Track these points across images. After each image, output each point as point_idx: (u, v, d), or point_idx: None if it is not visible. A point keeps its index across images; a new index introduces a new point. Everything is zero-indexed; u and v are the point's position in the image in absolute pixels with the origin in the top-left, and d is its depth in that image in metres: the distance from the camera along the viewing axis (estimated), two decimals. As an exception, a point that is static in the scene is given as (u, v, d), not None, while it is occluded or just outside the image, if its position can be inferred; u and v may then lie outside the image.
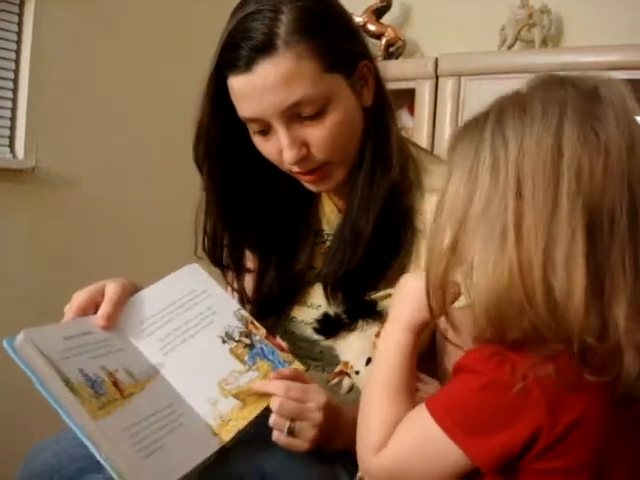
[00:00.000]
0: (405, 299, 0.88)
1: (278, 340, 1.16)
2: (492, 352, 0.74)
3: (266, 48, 1.05)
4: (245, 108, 1.10)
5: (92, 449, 0.87)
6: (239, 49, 1.06)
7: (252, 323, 1.15)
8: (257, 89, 1.06)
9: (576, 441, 0.72)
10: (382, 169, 1.15)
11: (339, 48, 1.11)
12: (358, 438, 0.85)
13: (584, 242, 0.70)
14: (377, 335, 1.05)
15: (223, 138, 1.18)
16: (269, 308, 1.29)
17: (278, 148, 1.11)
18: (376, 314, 1.08)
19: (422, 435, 0.77)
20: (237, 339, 1.12)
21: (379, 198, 1.15)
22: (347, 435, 1.04)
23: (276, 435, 1.03)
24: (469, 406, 0.74)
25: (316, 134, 1.10)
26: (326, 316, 1.12)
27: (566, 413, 0.71)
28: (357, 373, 1.05)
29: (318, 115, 1.09)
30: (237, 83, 1.09)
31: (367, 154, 1.16)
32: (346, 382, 1.07)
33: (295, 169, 1.14)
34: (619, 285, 0.70)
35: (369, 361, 1.03)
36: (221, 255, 1.28)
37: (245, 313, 1.17)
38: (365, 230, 1.15)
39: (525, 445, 0.72)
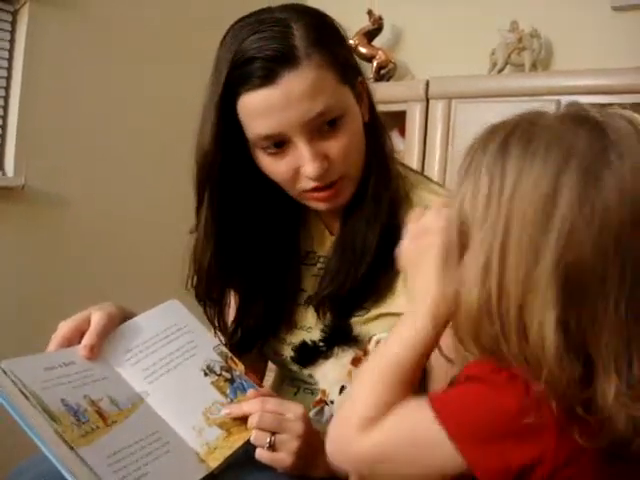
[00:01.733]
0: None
1: (255, 378, 1.16)
2: (500, 366, 0.73)
3: (288, 60, 1.03)
4: (263, 124, 1.07)
5: (70, 478, 0.85)
6: (255, 63, 1.04)
7: (231, 359, 1.16)
8: (281, 102, 1.04)
9: (576, 471, 0.70)
10: (385, 185, 1.16)
11: (345, 61, 1.12)
12: (339, 416, 0.81)
13: (556, 298, 0.68)
14: (353, 363, 1.05)
15: (228, 164, 1.14)
16: (257, 334, 1.28)
17: (294, 166, 1.10)
18: (351, 340, 1.08)
19: (420, 428, 0.74)
20: (218, 373, 1.12)
21: (382, 214, 1.15)
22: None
23: (259, 452, 1.02)
24: (479, 415, 0.72)
25: (336, 146, 1.09)
26: (303, 345, 1.12)
27: (570, 439, 0.69)
28: (332, 402, 1.04)
29: (336, 127, 1.08)
30: (256, 98, 1.05)
31: (373, 170, 1.16)
32: (327, 410, 1.06)
33: (312, 184, 1.11)
34: (609, 366, 0.68)
35: (342, 389, 1.02)
36: (207, 289, 1.25)
37: (224, 349, 1.17)
38: (372, 246, 1.14)
39: (527, 465, 0.70)
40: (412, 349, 0.79)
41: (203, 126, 1.12)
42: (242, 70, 1.05)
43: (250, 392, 1.09)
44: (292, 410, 1.03)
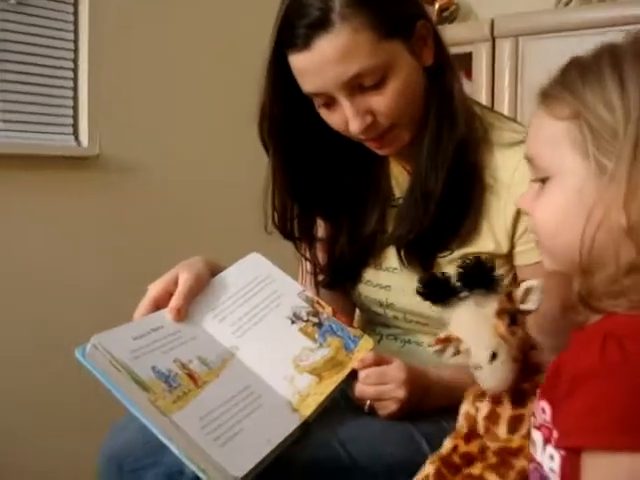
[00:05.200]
0: None
1: (345, 319, 1.18)
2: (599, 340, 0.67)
3: (322, 24, 1.06)
4: (307, 84, 1.13)
5: (169, 445, 0.88)
6: (296, 27, 1.08)
7: (318, 303, 1.18)
8: (316, 65, 1.09)
9: None
10: (448, 126, 1.16)
11: (394, 13, 1.12)
12: None
13: None
14: (498, 315, 0.89)
15: (287, 115, 1.20)
16: (343, 274, 1.32)
17: (344, 119, 1.14)
18: (492, 281, 0.92)
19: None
20: (305, 319, 1.15)
21: (448, 155, 1.16)
22: (435, 395, 1.09)
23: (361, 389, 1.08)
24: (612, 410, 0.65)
25: (379, 102, 1.12)
26: (434, 279, 0.96)
27: None
28: (480, 367, 0.88)
29: (379, 84, 1.11)
30: (296, 61, 1.11)
31: (432, 113, 1.17)
32: (450, 350, 0.91)
33: (362, 137, 1.16)
34: None
35: (494, 356, 0.87)
36: (292, 228, 1.30)
37: (310, 294, 1.20)
38: (435, 189, 1.16)
39: None
40: None
41: (262, 82, 1.19)
42: (285, 33, 1.11)
43: (359, 361, 1.08)
44: (395, 379, 1.07)
